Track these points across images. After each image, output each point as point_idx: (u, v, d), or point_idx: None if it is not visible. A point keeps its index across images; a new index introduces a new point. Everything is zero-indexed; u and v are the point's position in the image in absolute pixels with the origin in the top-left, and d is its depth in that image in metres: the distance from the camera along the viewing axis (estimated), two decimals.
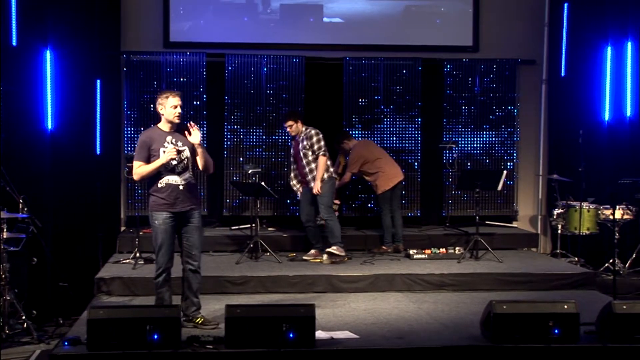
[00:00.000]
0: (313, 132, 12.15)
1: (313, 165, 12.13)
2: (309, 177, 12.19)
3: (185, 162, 8.81)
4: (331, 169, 12.36)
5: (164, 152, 8.66)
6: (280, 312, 8.27)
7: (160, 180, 8.73)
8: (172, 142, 8.74)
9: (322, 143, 12.15)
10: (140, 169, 8.68)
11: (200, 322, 9.07)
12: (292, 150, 12.62)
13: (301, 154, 12.18)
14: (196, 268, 9.09)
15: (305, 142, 12.13)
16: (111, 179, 13.79)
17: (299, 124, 12.26)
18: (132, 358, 7.86)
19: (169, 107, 8.72)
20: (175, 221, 8.84)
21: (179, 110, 8.74)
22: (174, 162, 8.70)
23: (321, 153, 12.08)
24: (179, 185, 8.76)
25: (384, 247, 13.09)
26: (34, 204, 10.21)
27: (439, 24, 14.98)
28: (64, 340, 8.39)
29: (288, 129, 12.30)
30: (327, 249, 12.16)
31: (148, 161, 8.70)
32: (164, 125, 8.84)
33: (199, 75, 14.26)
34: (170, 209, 8.76)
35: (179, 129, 8.89)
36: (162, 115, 8.80)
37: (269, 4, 14.67)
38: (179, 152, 8.73)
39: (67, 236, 12.43)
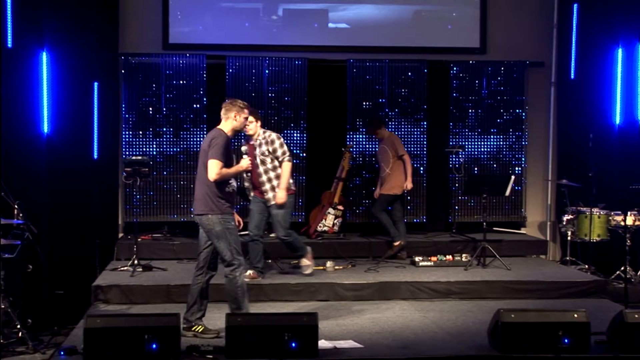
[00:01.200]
0: (274, 135, 11.08)
1: (272, 174, 11.06)
2: (266, 186, 11.09)
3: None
4: (291, 180, 11.31)
5: (239, 158, 9.29)
6: (283, 321, 8.25)
7: (229, 185, 9.04)
8: (245, 151, 9.82)
9: (286, 147, 11.11)
10: (224, 170, 8.89)
11: (200, 330, 9.08)
12: (244, 150, 11.30)
13: (258, 159, 11.02)
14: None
15: (264, 147, 11.00)
16: (109, 184, 13.69)
17: (259, 125, 11.04)
18: None
19: (242, 117, 9.15)
20: None
21: (248, 124, 9.75)
22: (248, 174, 9.75)
23: (286, 159, 11.06)
24: (248, 192, 9.93)
25: (395, 244, 13.01)
26: (30, 209, 10.06)
27: (445, 25, 14.88)
28: (60, 350, 8.38)
29: (246, 127, 10.64)
30: (301, 265, 11.52)
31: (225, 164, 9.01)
32: (228, 131, 9.10)
33: (198, 78, 14.15)
34: (232, 212, 9.13)
35: None
36: (233, 122, 9.10)
37: (272, 8, 14.57)
38: None
39: (63, 243, 12.49)
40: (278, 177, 11.06)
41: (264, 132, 11.08)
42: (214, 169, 8.79)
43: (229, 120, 9.05)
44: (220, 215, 8.90)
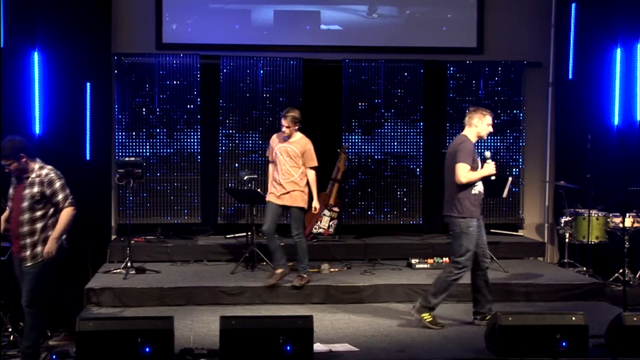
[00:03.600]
0: (54, 175, 8.46)
1: (39, 225, 8.40)
2: (27, 240, 8.39)
3: None
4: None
5: (482, 163, 9.58)
6: (277, 324, 8.21)
7: (474, 188, 9.54)
8: (487, 156, 9.60)
9: (68, 191, 8.55)
10: (470, 174, 9.44)
11: (488, 318, 9.57)
12: (10, 194, 8.64)
13: (26, 203, 8.36)
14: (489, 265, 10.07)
15: (36, 189, 8.33)
16: (101, 185, 13.65)
17: (26, 161, 8.43)
18: None
19: (485, 123, 9.66)
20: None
21: (491, 129, 9.76)
22: (493, 178, 9.67)
23: (67, 204, 8.49)
24: (483, 194, 9.68)
25: (305, 276, 11.30)
26: None
27: (442, 25, 14.81)
28: (52, 354, 8.37)
29: (7, 169, 8.44)
30: None
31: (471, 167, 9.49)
32: (472, 137, 9.66)
33: (192, 78, 14.06)
34: (477, 215, 9.61)
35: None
36: (475, 127, 9.66)
37: (267, 8, 14.48)
38: None
39: None
40: (45, 229, 8.44)
41: (40, 169, 8.49)
42: (462, 172, 9.37)
43: (472, 127, 9.62)
44: (462, 219, 9.49)
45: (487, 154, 9.54)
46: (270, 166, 11.49)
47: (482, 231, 9.75)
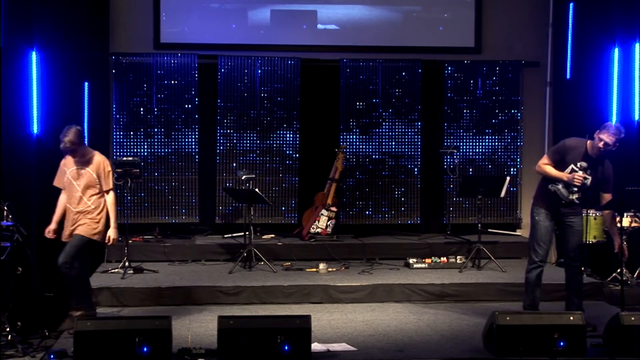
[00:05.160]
0: None
1: None
2: None
3: (581, 188, 9.59)
4: None
5: (570, 170, 9.48)
6: (275, 324, 8.23)
7: (552, 185, 9.57)
8: (582, 167, 9.49)
9: None
10: (546, 168, 9.55)
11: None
12: None
13: None
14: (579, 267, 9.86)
15: None
16: None
17: None
18: None
19: (597, 136, 9.41)
20: (553, 220, 9.69)
21: (601, 145, 9.36)
22: (575, 189, 9.52)
23: None
24: (563, 200, 9.56)
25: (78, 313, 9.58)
26: (19, 211, 9.95)
27: (440, 24, 14.83)
28: (49, 354, 8.36)
29: None
30: None
31: (556, 164, 9.53)
32: (589, 145, 9.55)
33: (190, 78, 14.06)
34: (549, 209, 9.63)
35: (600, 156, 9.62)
36: (594, 138, 9.49)
37: (265, 7, 14.50)
38: (584, 182, 9.49)
39: (53, 245, 12.09)
40: None
41: None
42: (540, 160, 9.67)
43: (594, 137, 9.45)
44: (532, 208, 9.75)
45: (584, 164, 9.47)
46: (61, 196, 9.80)
47: (566, 231, 9.70)
